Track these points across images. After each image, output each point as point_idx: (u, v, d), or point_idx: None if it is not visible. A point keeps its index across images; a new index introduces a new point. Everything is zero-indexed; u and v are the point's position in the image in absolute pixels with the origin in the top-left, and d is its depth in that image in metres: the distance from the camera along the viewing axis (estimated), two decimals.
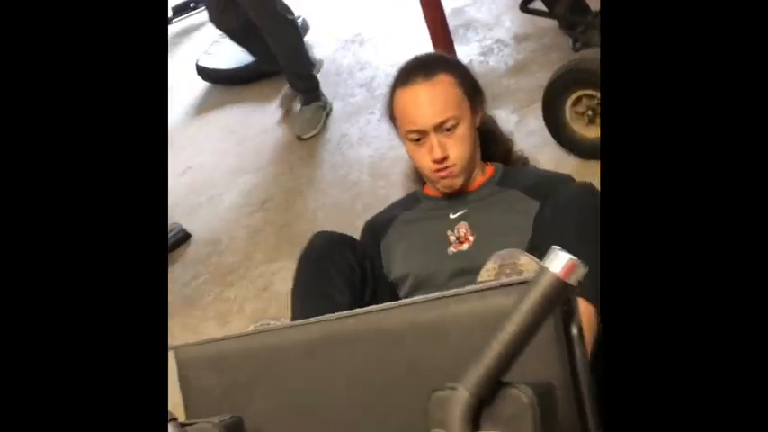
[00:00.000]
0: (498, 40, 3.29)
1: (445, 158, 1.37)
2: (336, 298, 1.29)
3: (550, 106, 2.34)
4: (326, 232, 1.42)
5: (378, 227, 1.51)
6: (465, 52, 3.28)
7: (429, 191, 1.51)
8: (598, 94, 2.23)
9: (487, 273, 0.95)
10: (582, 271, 0.58)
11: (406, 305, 0.79)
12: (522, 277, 0.72)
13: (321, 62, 3.50)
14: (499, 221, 1.38)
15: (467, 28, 3.48)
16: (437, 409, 0.60)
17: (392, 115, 1.44)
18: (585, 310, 1.10)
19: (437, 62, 1.44)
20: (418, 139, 1.38)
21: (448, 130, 1.37)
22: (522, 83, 2.94)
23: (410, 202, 1.54)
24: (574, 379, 0.68)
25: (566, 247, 1.13)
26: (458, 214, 1.42)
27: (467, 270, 1.34)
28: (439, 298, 0.74)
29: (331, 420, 0.82)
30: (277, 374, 0.87)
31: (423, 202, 1.51)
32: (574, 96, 2.27)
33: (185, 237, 2.94)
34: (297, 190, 2.89)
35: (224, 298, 2.55)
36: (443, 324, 0.73)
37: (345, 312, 0.83)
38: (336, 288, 1.31)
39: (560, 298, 0.58)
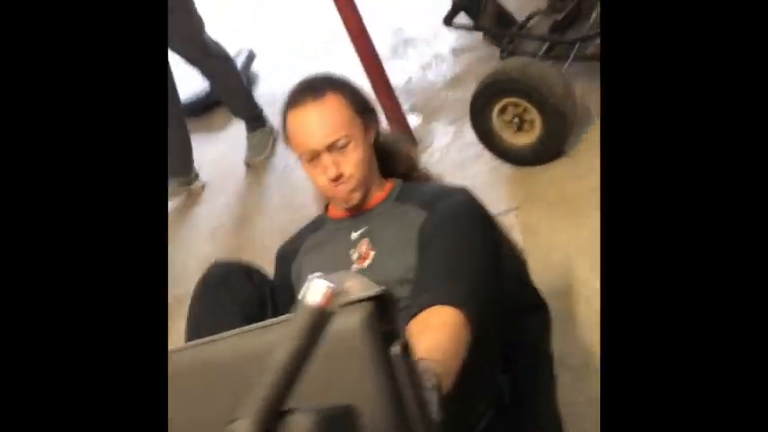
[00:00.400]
0: (437, 55, 3.36)
1: (340, 176, 1.41)
2: (226, 328, 1.32)
3: (478, 117, 2.40)
4: (224, 261, 1.44)
5: (288, 254, 1.54)
6: (404, 68, 3.35)
7: (333, 212, 1.54)
8: (523, 102, 2.30)
9: None
10: (343, 297, 0.61)
11: (234, 335, 0.82)
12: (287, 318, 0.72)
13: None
14: (397, 236, 1.40)
15: (406, 45, 3.55)
16: None
17: (287, 138, 1.48)
18: (456, 319, 1.10)
19: (324, 83, 1.46)
20: (312, 159, 1.42)
21: (340, 148, 1.40)
22: (458, 95, 3.00)
23: (317, 225, 1.57)
24: (396, 398, 0.69)
25: (437, 266, 1.18)
26: (359, 232, 1.45)
27: None
28: (258, 328, 0.77)
29: None
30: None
31: (327, 224, 1.54)
32: (499, 105, 2.33)
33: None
34: (245, 216, 2.94)
35: (176, 329, 2.57)
36: (259, 352, 0.72)
37: (182, 345, 0.86)
38: (228, 316, 1.33)
39: (323, 325, 0.60)
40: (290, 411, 0.59)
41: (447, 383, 0.97)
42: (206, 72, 3.18)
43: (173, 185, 3.20)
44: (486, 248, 1.26)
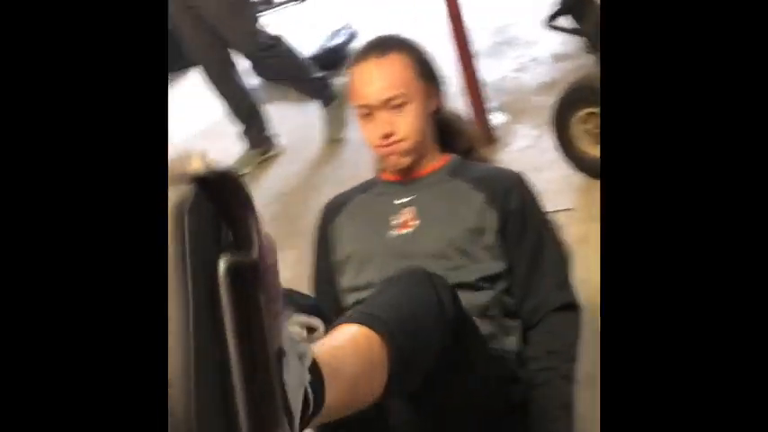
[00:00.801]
0: (535, 59, 3.30)
1: (391, 135, 1.40)
2: None
3: (559, 121, 2.34)
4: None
5: (331, 210, 1.55)
6: (500, 66, 3.31)
7: (384, 175, 1.54)
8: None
9: None
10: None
11: None
12: None
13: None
14: (445, 210, 1.40)
15: (508, 45, 3.51)
16: None
17: (349, 93, 1.48)
18: (368, 338, 0.91)
19: (392, 42, 1.47)
20: (367, 115, 1.41)
21: (396, 107, 1.39)
22: (548, 100, 2.92)
23: (367, 185, 1.57)
24: (201, 342, 0.46)
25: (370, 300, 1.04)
26: (406, 199, 1.44)
27: (407, 254, 1.37)
28: None
29: None
30: None
31: (377, 186, 1.54)
32: (580, 114, 2.27)
33: None
34: (314, 185, 2.96)
35: None
36: None
37: None
38: None
39: None
40: None
41: (335, 392, 0.78)
42: (264, 65, 3.15)
43: (248, 156, 3.27)
44: (432, 304, 1.05)
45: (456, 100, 2.61)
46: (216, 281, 0.45)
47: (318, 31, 4.22)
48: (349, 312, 1.01)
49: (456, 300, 1.11)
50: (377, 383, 0.89)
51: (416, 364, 0.98)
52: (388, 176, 1.52)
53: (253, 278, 0.48)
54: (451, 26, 2.65)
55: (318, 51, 4.00)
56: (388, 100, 1.38)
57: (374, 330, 0.91)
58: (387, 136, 1.40)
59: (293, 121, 3.56)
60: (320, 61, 3.94)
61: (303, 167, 3.16)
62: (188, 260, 0.45)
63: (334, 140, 3.22)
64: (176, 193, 0.46)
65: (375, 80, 1.40)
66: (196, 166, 0.50)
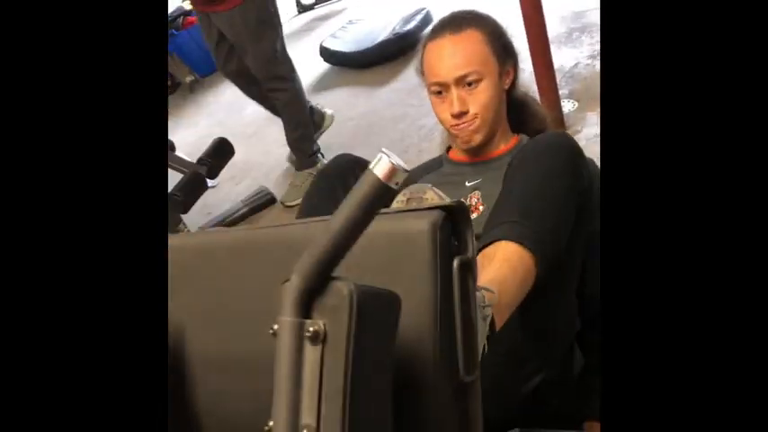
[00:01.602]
0: None
1: (464, 113, 1.36)
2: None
3: None
4: (344, 155, 1.43)
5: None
6: (573, 54, 3.21)
7: (453, 155, 1.49)
8: None
9: (396, 204, 0.95)
10: (402, 175, 0.58)
11: (309, 222, 0.87)
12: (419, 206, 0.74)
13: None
14: None
15: (582, 31, 3.40)
16: (280, 298, 0.63)
17: (421, 70, 1.44)
18: (521, 256, 1.02)
19: (469, 18, 1.41)
20: (440, 92, 1.38)
21: (469, 84, 1.35)
22: None
23: (434, 164, 1.52)
24: (444, 312, 0.69)
25: (512, 202, 1.09)
26: (473, 183, 1.40)
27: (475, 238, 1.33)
28: (303, 222, 0.80)
29: (235, 318, 0.84)
30: (200, 272, 0.89)
31: (444, 166, 1.49)
32: None
33: (271, 200, 3.08)
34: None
35: None
36: (297, 240, 0.74)
37: (267, 225, 0.89)
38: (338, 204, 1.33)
39: (383, 199, 0.58)
40: (337, 278, 0.60)
41: (499, 319, 0.92)
42: (268, 96, 3.01)
43: (301, 176, 3.10)
44: (569, 188, 1.12)
45: (527, 86, 2.54)
46: (451, 273, 0.70)
47: (392, 16, 4.18)
48: (498, 220, 1.07)
49: (589, 171, 1.18)
50: (526, 294, 1.02)
51: (555, 259, 1.07)
52: (457, 156, 1.47)
53: (470, 271, 0.72)
54: (527, 10, 2.56)
55: (390, 37, 3.96)
56: (462, 77, 1.34)
57: (526, 248, 1.02)
58: (460, 115, 1.36)
59: (363, 104, 3.55)
60: (391, 47, 3.93)
61: (366, 153, 3.13)
62: (439, 264, 0.69)
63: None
64: (431, 218, 0.70)
65: (449, 57, 1.36)
66: (433, 198, 0.95)
